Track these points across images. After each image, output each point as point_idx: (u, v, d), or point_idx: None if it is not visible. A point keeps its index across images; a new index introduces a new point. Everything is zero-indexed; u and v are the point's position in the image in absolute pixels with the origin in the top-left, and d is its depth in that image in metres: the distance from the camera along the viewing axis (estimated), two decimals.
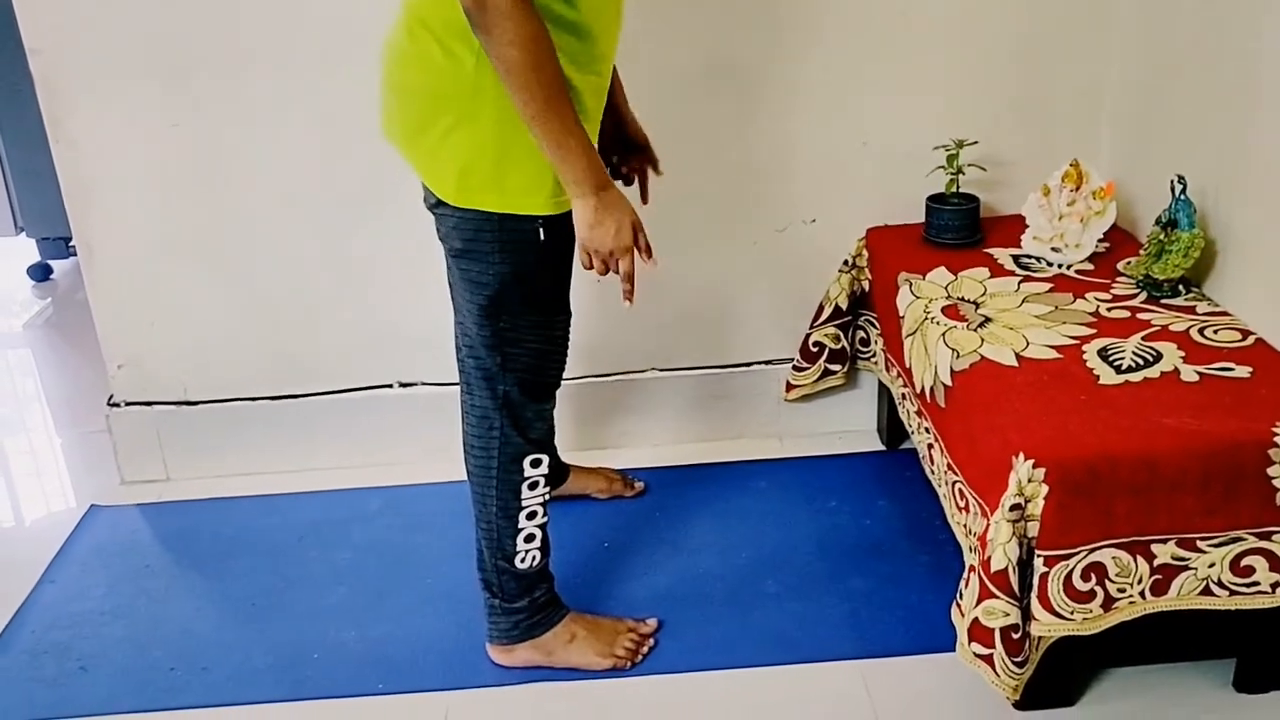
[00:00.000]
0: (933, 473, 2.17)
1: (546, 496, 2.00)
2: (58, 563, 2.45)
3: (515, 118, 1.64)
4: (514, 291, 1.81)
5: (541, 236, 1.77)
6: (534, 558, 2.01)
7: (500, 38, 1.56)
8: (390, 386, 2.69)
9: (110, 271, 2.57)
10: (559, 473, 2.46)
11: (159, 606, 2.29)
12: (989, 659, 1.78)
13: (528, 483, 1.96)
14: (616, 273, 1.77)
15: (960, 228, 2.42)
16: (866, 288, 2.55)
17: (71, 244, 4.10)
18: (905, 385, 2.30)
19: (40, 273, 4.17)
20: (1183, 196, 2.13)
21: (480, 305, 1.83)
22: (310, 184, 2.35)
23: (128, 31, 2.37)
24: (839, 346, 2.59)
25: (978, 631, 1.78)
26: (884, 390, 2.63)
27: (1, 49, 3.68)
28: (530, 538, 1.99)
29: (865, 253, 2.54)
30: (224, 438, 2.70)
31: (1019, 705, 1.91)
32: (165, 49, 2.38)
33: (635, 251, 1.76)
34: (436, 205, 1.81)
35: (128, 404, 2.68)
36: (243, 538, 2.50)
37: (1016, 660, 1.77)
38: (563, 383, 2.54)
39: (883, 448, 2.71)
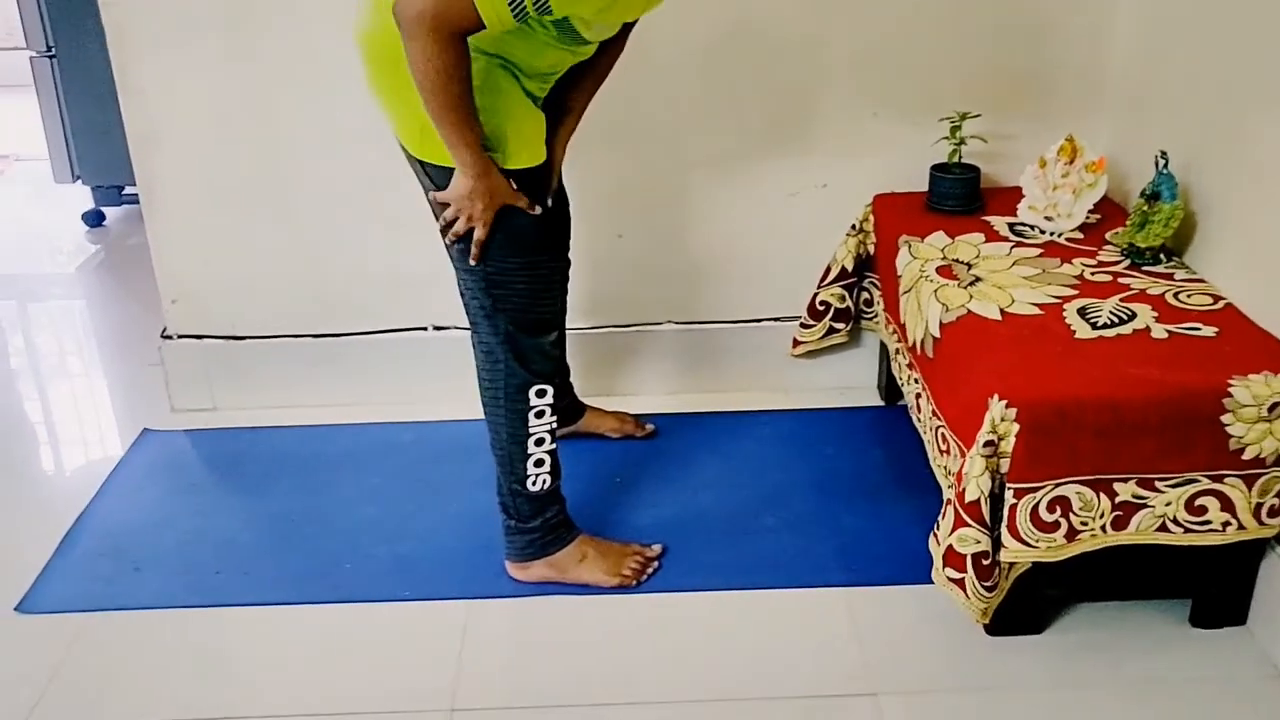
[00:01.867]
0: (919, 420, 2.33)
1: (553, 425, 2.15)
2: (113, 478, 2.64)
3: None
4: (490, 238, 1.98)
5: None
6: (544, 481, 2.17)
7: (412, 53, 1.76)
8: (425, 329, 2.87)
9: (169, 212, 2.76)
10: (575, 411, 2.64)
11: (204, 519, 2.48)
12: (960, 583, 1.94)
13: (533, 411, 2.12)
14: (461, 234, 1.96)
15: (961, 196, 2.58)
16: (872, 251, 2.70)
17: (124, 191, 4.31)
18: (900, 340, 2.46)
19: (94, 219, 4.38)
20: (1165, 170, 2.27)
21: (463, 251, 2.00)
22: (359, 132, 2.49)
23: None
24: (844, 306, 2.75)
25: (951, 557, 1.94)
26: (885, 349, 2.79)
27: (72, 9, 3.89)
28: (540, 462, 2.16)
29: (872, 217, 2.69)
30: (268, 371, 2.88)
31: (990, 630, 2.07)
32: (229, 2, 2.56)
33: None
34: (411, 159, 2.00)
35: (180, 336, 2.87)
36: (282, 462, 2.69)
37: (986, 585, 1.93)
38: (584, 332, 2.72)
39: (881, 403, 2.86)
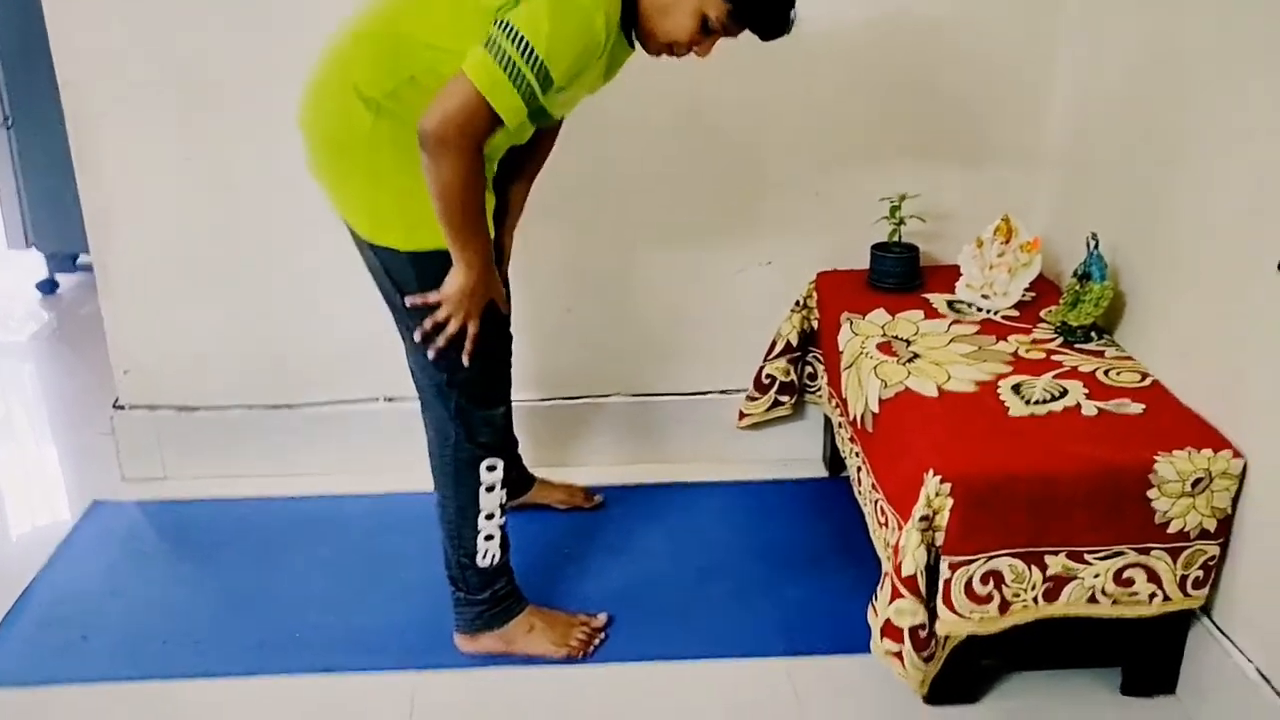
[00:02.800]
0: (860, 494, 2.38)
1: (503, 499, 2.19)
2: (63, 549, 2.64)
3: (415, 167, 1.83)
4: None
5: None
6: (494, 555, 2.20)
7: (438, 170, 1.79)
8: (377, 400, 2.91)
9: (123, 285, 2.79)
10: (524, 482, 2.68)
11: (154, 589, 2.49)
12: (898, 654, 1.98)
13: (484, 486, 2.15)
14: (457, 331, 1.98)
15: (901, 274, 2.65)
16: (815, 326, 2.77)
17: (78, 259, 4.32)
18: (842, 414, 2.52)
19: (48, 287, 4.39)
20: (1096, 251, 2.36)
21: (443, 348, 2.01)
22: (312, 206, 2.52)
23: (151, 67, 2.60)
24: (789, 379, 2.81)
25: (889, 630, 1.98)
26: (829, 422, 2.85)
27: (29, 83, 3.94)
28: (489, 536, 2.18)
29: (815, 294, 2.76)
30: (220, 442, 2.90)
31: (929, 700, 2.12)
32: (184, 83, 2.61)
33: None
34: (360, 242, 2.04)
35: (132, 407, 2.89)
36: (233, 533, 2.70)
37: (923, 656, 1.98)
38: (533, 404, 2.76)
39: (825, 475, 2.92)
